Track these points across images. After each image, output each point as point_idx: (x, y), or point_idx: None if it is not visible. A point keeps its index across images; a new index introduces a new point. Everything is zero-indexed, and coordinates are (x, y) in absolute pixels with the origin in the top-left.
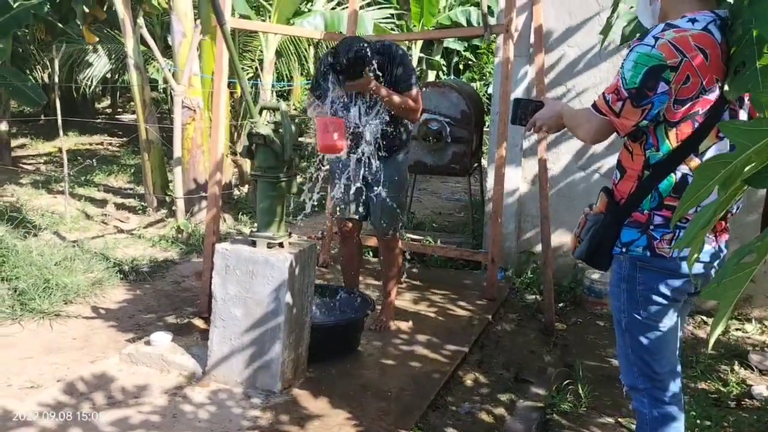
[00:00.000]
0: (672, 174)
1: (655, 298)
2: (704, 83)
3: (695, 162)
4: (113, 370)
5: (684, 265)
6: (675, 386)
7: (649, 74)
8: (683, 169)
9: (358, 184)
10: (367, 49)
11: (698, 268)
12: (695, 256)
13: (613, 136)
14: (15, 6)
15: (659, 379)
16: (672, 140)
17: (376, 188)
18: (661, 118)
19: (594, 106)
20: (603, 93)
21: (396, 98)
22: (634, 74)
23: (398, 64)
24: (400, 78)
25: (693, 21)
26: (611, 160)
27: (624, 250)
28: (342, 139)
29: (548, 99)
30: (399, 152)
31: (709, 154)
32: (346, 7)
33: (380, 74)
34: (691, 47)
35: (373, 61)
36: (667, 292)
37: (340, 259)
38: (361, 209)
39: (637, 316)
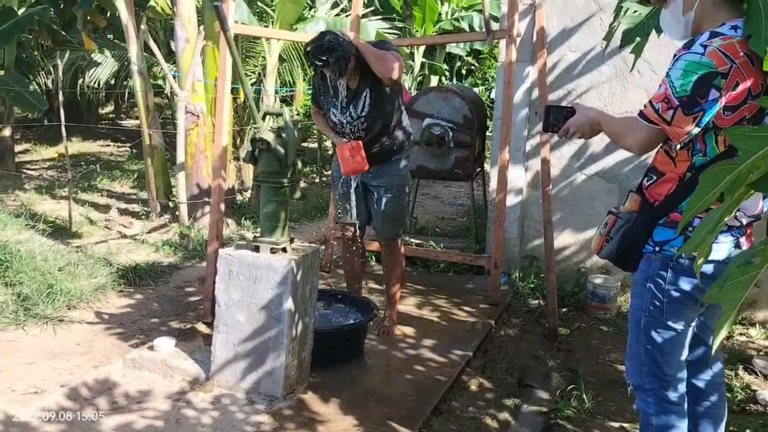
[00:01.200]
0: None
1: (681, 298)
2: (752, 89)
3: None
4: (117, 375)
5: (712, 268)
6: (681, 389)
7: (700, 82)
8: None
9: (359, 188)
10: (337, 38)
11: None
12: (701, 260)
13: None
14: (20, 12)
15: (666, 380)
16: (721, 146)
17: (376, 193)
18: (711, 125)
19: (641, 115)
20: (650, 102)
21: (372, 48)
22: (684, 82)
23: (378, 44)
24: (377, 47)
25: (735, 28)
26: (611, 161)
27: (657, 249)
28: (364, 161)
29: (580, 105)
30: (398, 156)
31: None
32: (349, 14)
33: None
34: (739, 54)
35: (348, 53)
36: (696, 295)
37: (343, 264)
38: (362, 213)
39: (658, 315)
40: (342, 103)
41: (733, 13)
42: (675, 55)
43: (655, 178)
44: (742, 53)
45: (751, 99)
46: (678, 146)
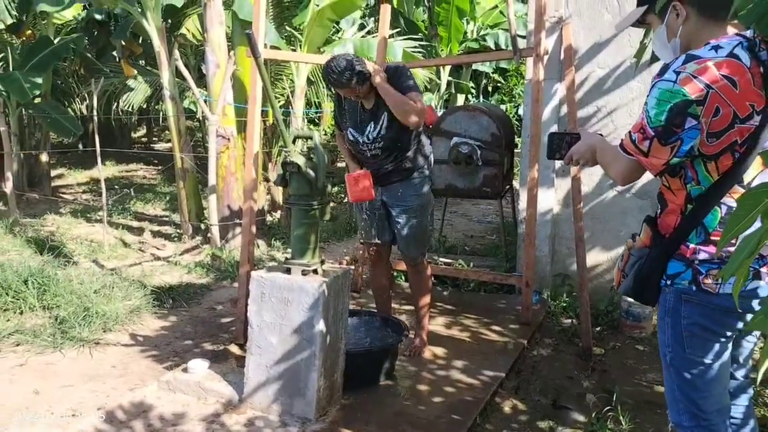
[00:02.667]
0: (717, 207)
1: (701, 332)
2: (738, 113)
3: (741, 193)
4: (152, 397)
5: (731, 300)
6: (723, 427)
7: (674, 111)
8: (728, 201)
9: (383, 209)
10: (351, 61)
11: (754, 304)
12: (740, 284)
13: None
14: (55, 41)
15: (705, 418)
16: (713, 173)
17: (398, 214)
18: (696, 153)
19: (621, 146)
20: (629, 132)
21: (394, 92)
22: (658, 112)
23: (398, 77)
24: (398, 85)
25: (717, 48)
26: (643, 177)
27: (669, 282)
28: (371, 189)
29: (585, 131)
30: (418, 177)
31: (755, 184)
32: (376, 35)
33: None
34: (717, 77)
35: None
36: (714, 327)
37: (371, 284)
38: (387, 233)
39: (681, 351)
40: (359, 123)
41: (722, 29)
42: (651, 82)
43: (661, 208)
44: (721, 76)
45: (740, 123)
46: (657, 175)
